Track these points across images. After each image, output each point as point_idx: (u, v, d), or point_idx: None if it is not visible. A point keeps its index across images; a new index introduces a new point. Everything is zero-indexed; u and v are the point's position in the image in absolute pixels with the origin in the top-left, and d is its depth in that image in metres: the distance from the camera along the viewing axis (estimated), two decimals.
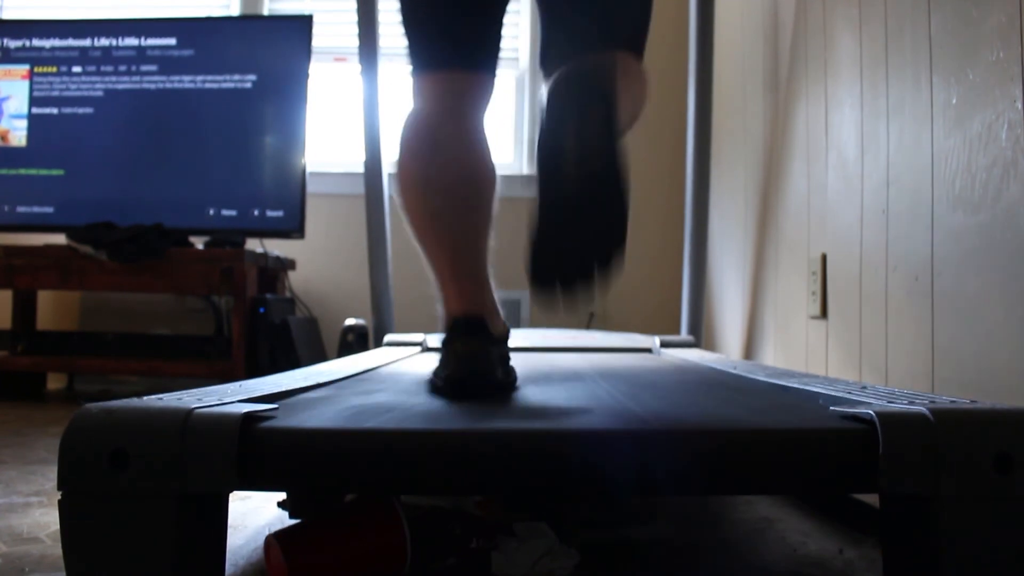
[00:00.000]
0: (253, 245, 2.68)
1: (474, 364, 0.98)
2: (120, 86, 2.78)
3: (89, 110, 2.78)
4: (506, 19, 1.19)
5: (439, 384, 1.01)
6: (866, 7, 1.43)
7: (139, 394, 0.80)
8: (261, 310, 2.51)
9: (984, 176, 1.02)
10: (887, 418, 0.65)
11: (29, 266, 2.55)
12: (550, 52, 1.13)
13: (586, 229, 0.87)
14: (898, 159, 1.29)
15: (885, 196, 1.33)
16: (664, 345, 2.02)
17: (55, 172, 2.77)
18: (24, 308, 2.74)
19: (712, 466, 0.68)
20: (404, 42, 1.16)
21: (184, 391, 0.84)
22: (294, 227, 2.67)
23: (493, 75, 1.18)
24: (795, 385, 1.00)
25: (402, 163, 1.10)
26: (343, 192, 2.92)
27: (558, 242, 0.87)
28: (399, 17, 1.17)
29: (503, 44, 1.20)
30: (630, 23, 1.13)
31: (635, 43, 1.12)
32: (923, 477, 0.64)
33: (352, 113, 2.88)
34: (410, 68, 1.17)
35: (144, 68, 2.77)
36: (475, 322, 1.01)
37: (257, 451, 0.67)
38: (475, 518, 0.96)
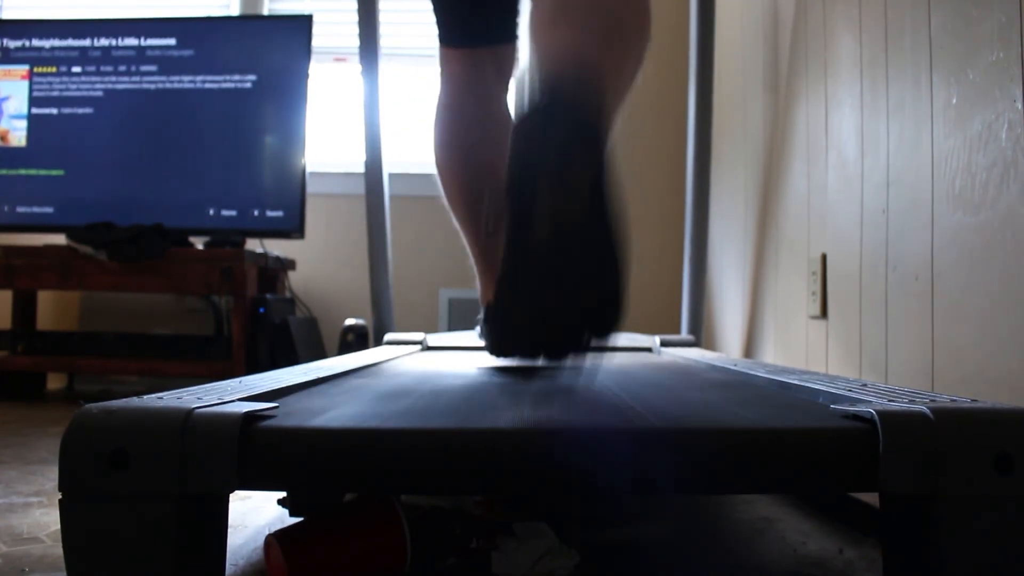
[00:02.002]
0: (253, 245, 2.68)
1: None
2: (120, 86, 2.78)
3: (89, 110, 2.78)
4: None
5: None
6: (866, 7, 1.43)
7: (139, 394, 0.80)
8: (261, 310, 2.51)
9: (984, 176, 1.02)
10: (888, 417, 0.65)
11: (29, 266, 2.55)
12: None
13: (569, 297, 0.73)
14: (898, 159, 1.29)
15: (885, 196, 1.33)
16: (664, 344, 2.02)
17: (55, 172, 2.77)
18: (24, 308, 2.74)
19: (712, 465, 0.68)
20: (433, 16, 1.20)
21: (184, 389, 0.84)
22: (294, 227, 2.67)
23: (514, 44, 1.20)
24: (795, 382, 1.00)
25: (437, 160, 1.17)
26: (343, 192, 2.92)
27: (533, 308, 0.74)
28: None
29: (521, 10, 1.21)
30: None
31: None
32: (923, 476, 0.64)
33: (352, 113, 2.88)
34: (437, 39, 1.20)
35: (144, 68, 2.77)
36: None
37: (257, 451, 0.67)
38: (475, 518, 0.96)
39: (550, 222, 0.72)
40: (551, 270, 0.72)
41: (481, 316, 1.24)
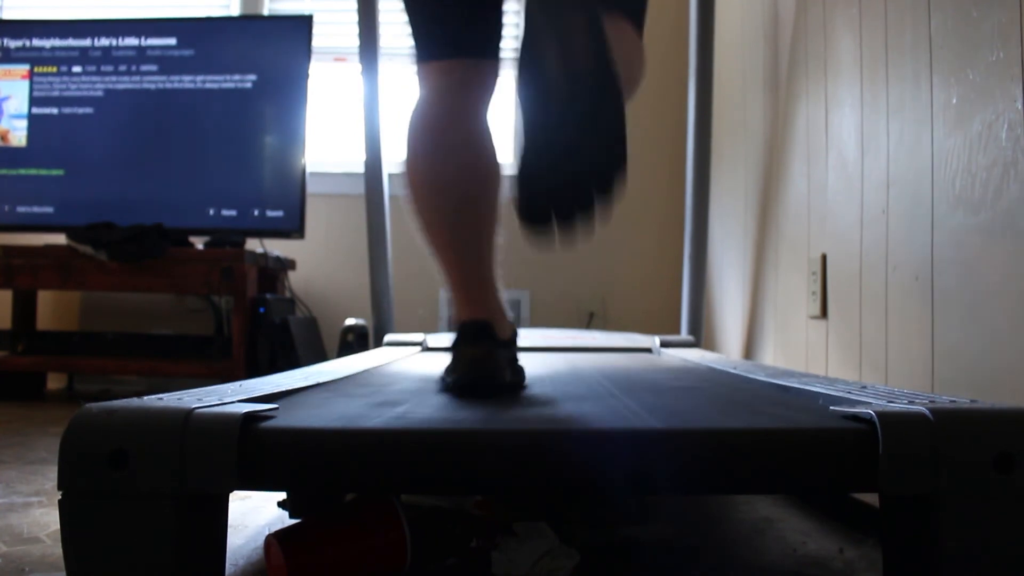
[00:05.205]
0: (253, 245, 2.68)
1: (482, 368, 1.00)
2: (120, 86, 2.78)
3: (89, 110, 2.78)
4: (507, 6, 1.15)
5: (448, 386, 1.03)
6: (866, 7, 1.43)
7: (139, 394, 0.80)
8: (261, 310, 2.51)
9: (984, 176, 1.02)
10: (887, 418, 0.65)
11: (29, 266, 2.55)
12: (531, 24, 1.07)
13: (581, 154, 0.83)
14: (898, 159, 1.29)
15: (885, 196, 1.33)
16: (664, 345, 2.02)
17: (55, 172, 2.76)
18: (24, 308, 2.74)
19: (712, 466, 0.68)
20: (407, 30, 1.15)
21: (184, 391, 0.84)
22: (294, 227, 2.67)
23: (497, 60, 1.15)
24: (795, 385, 1.00)
25: (408, 164, 1.09)
26: (343, 192, 2.92)
27: (549, 173, 0.84)
28: (401, 6, 1.14)
29: (506, 31, 1.16)
30: None
31: (635, 13, 1.04)
32: (923, 477, 0.64)
33: (352, 113, 2.88)
34: (414, 56, 1.14)
35: (144, 68, 2.77)
36: (482, 326, 1.02)
37: (257, 451, 0.67)
38: (475, 518, 0.96)
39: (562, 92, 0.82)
40: (564, 140, 0.83)
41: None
